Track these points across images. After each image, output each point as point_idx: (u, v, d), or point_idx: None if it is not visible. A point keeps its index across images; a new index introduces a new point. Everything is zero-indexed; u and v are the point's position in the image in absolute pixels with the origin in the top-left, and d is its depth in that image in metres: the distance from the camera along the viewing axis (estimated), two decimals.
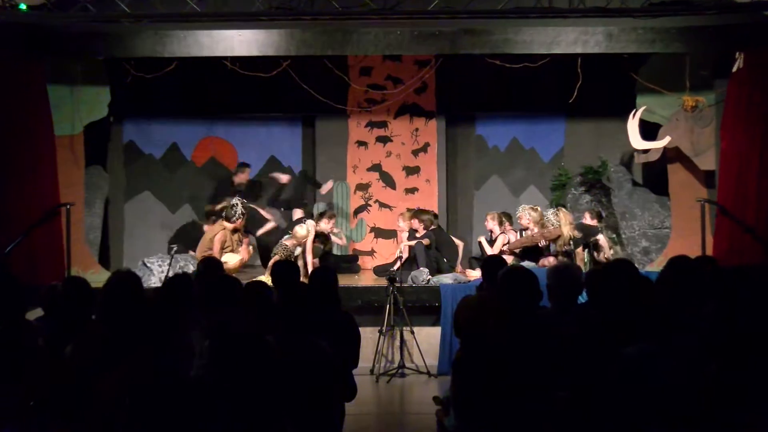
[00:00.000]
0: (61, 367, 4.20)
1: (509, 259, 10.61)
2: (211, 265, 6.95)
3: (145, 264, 11.18)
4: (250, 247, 11.48)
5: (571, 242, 10.92)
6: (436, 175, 13.34)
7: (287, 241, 11.07)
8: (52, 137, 11.30)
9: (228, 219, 10.99)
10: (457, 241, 12.11)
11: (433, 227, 11.65)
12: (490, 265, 6.57)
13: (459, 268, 11.77)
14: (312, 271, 6.46)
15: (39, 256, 10.78)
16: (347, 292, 9.91)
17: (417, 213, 11.82)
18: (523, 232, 11.41)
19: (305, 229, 11.08)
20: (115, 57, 11.44)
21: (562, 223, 10.94)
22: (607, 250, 11.23)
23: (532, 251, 11.22)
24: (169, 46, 10.92)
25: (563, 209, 11.32)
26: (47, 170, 11.16)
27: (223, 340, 3.50)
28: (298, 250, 11.10)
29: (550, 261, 10.85)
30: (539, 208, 11.51)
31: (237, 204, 11.05)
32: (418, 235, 11.52)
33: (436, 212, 12.43)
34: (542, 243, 11.12)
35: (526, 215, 11.28)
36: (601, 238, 11.24)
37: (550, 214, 11.25)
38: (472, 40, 10.96)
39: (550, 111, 13.47)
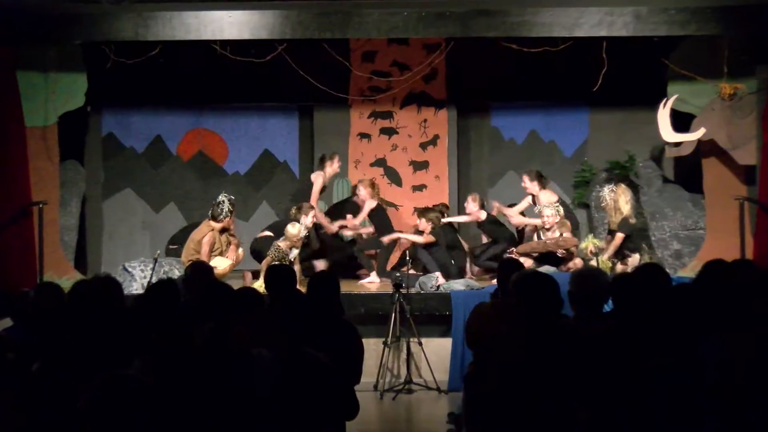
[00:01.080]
0: (31, 383, 4.20)
1: (527, 263, 10.60)
2: (200, 270, 6.97)
3: (125, 269, 11.17)
4: (241, 249, 11.48)
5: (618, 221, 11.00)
6: (446, 171, 13.34)
7: (281, 242, 11.07)
8: (22, 129, 11.29)
9: (215, 218, 10.98)
10: (464, 243, 12.16)
11: (442, 224, 11.70)
12: (506, 269, 6.57)
13: (468, 272, 11.79)
14: (311, 277, 6.45)
15: (8, 259, 10.78)
16: (348, 299, 9.88)
17: (423, 212, 11.83)
18: (544, 232, 11.37)
19: (297, 228, 11.05)
20: (93, 41, 11.40)
21: (620, 201, 10.98)
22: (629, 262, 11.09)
23: (552, 254, 11.21)
24: (153, 29, 10.92)
25: (623, 186, 11.36)
26: (17, 165, 11.15)
27: (210, 357, 3.51)
28: (294, 253, 11.09)
29: (576, 263, 10.84)
30: (562, 209, 11.50)
31: (224, 200, 11.03)
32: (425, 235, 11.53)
33: (447, 204, 12.46)
34: (560, 252, 11.09)
35: (550, 214, 11.24)
36: (633, 258, 11.09)
37: (606, 191, 11.27)
38: (487, 21, 10.95)
39: (572, 100, 13.47)
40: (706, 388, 3.94)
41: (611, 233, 11.33)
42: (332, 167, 12.18)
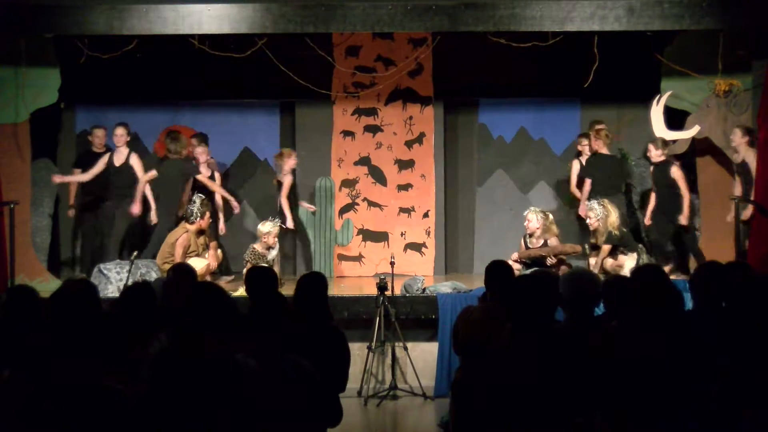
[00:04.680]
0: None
1: (515, 265, 10.61)
2: (182, 271, 6.94)
3: (101, 271, 11.13)
4: (219, 251, 11.46)
5: (605, 236, 10.98)
6: (432, 170, 13.32)
7: (256, 244, 11.06)
8: None
9: (187, 219, 10.96)
10: None
11: None
12: (495, 271, 6.57)
13: None
14: (300, 278, 6.45)
15: None
16: (331, 302, 9.80)
17: None
18: (528, 238, 11.37)
19: (267, 226, 11.04)
20: (66, 34, 11.38)
21: (611, 217, 10.97)
22: (619, 266, 11.09)
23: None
24: (129, 22, 10.89)
25: (606, 200, 11.36)
26: None
27: (188, 363, 3.51)
28: (272, 254, 11.06)
29: (565, 267, 10.87)
30: (550, 215, 11.50)
31: (194, 200, 11.02)
32: None
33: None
34: (550, 261, 11.09)
35: (534, 219, 11.25)
36: (630, 258, 11.08)
37: (594, 204, 11.25)
38: (474, 15, 10.96)
39: (563, 97, 13.48)
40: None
41: (594, 248, 11.26)
42: (289, 163, 12.35)
